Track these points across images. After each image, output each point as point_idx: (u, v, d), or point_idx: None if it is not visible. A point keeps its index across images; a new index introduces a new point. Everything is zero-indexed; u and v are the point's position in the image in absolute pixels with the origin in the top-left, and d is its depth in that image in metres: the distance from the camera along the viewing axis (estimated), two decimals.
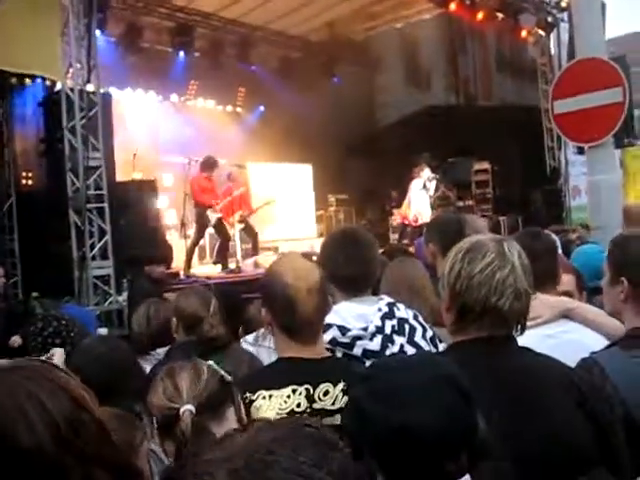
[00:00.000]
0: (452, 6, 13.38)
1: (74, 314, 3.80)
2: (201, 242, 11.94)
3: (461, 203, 15.94)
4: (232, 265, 11.08)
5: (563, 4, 14.16)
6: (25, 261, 10.94)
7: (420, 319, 2.73)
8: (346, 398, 2.03)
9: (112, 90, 12.64)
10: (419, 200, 13.15)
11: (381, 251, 4.13)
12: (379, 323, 2.55)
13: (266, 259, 10.32)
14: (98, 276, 9.20)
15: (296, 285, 2.17)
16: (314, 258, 4.71)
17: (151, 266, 7.48)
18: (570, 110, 5.72)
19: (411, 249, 8.97)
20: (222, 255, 11.20)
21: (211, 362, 2.01)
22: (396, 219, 14.84)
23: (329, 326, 2.48)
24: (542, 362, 1.87)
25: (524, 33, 15.11)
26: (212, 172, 10.92)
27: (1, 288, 7.68)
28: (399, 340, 2.58)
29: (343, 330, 2.50)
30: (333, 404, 2.13)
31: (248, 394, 2.10)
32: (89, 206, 9.13)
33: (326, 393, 2.14)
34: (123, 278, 9.24)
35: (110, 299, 9.23)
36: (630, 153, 13.70)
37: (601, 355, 2.07)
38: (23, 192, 11.58)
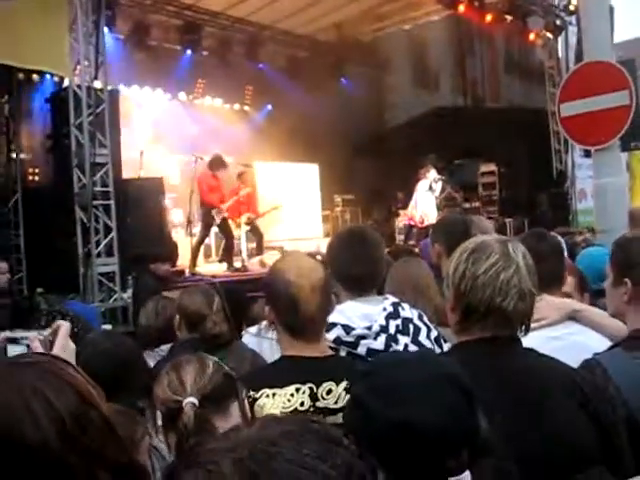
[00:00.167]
0: (461, 8, 13.37)
1: (78, 310, 3.83)
2: (207, 240, 11.96)
3: (467, 205, 15.92)
4: (238, 264, 11.10)
5: (571, 7, 14.13)
6: (30, 257, 10.95)
7: (425, 319, 2.73)
8: (349, 397, 2.03)
9: (120, 87, 12.65)
10: (425, 201, 13.13)
11: (387, 251, 4.14)
12: (383, 322, 2.55)
13: (272, 258, 10.30)
14: (103, 273, 9.22)
15: (299, 283, 2.17)
16: (318, 257, 4.73)
17: (156, 264, 7.49)
18: (577, 113, 5.71)
19: (417, 250, 8.97)
20: (227, 254, 11.22)
21: (214, 357, 2.03)
22: (402, 220, 14.83)
23: (333, 325, 2.49)
24: (545, 363, 1.87)
25: (532, 36, 15.08)
26: (219, 170, 10.93)
27: (6, 284, 7.69)
28: (403, 340, 2.58)
29: (347, 329, 2.50)
30: (336, 403, 2.13)
31: (252, 392, 2.11)
32: (95, 203, 9.15)
33: (329, 392, 2.15)
34: (128, 275, 9.25)
35: (115, 296, 9.24)
36: (637, 156, 13.68)
37: (604, 356, 2.07)
38: (29, 188, 11.60)
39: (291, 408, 2.11)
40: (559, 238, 3.28)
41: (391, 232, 15.12)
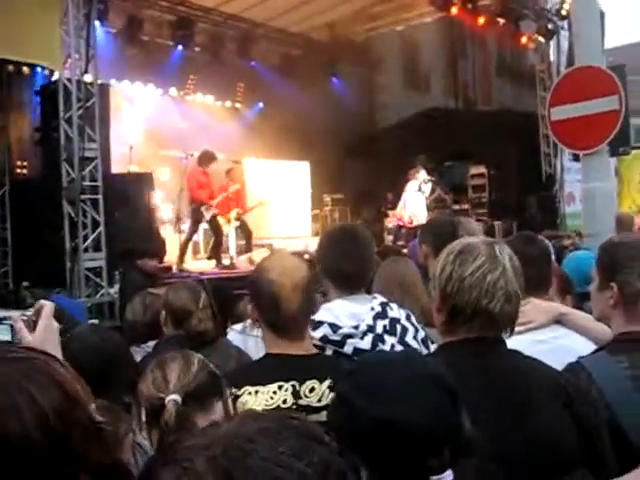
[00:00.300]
0: (453, 10, 13.41)
1: (64, 305, 3.79)
2: (195, 237, 11.94)
3: (457, 206, 15.95)
4: (226, 261, 11.09)
5: (564, 12, 14.19)
6: (17, 250, 10.88)
7: (412, 320, 2.74)
8: (332, 395, 2.03)
9: (111, 82, 12.59)
10: (414, 202, 13.16)
11: (375, 252, 4.14)
12: (371, 322, 2.56)
13: (260, 256, 10.27)
14: (90, 268, 9.18)
15: (280, 282, 2.19)
16: (306, 256, 4.73)
17: (144, 259, 7.47)
18: (567, 117, 5.73)
19: (405, 250, 8.99)
20: (216, 251, 11.20)
21: (199, 355, 2.02)
22: (391, 221, 14.85)
23: (320, 323, 2.50)
24: (530, 365, 1.88)
25: (524, 39, 15.15)
26: (209, 166, 10.91)
27: None
28: (390, 340, 2.58)
29: (334, 328, 2.50)
30: (319, 401, 2.13)
31: (234, 389, 2.11)
32: (83, 197, 9.11)
33: (312, 390, 2.15)
34: (115, 270, 9.22)
35: (102, 291, 9.21)
36: (625, 161, 13.76)
37: (588, 360, 2.08)
38: (17, 181, 11.52)
39: (273, 406, 2.11)
40: (547, 241, 3.30)
41: (380, 232, 15.12)
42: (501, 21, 14.33)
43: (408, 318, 2.72)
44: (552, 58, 15.59)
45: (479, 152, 16.32)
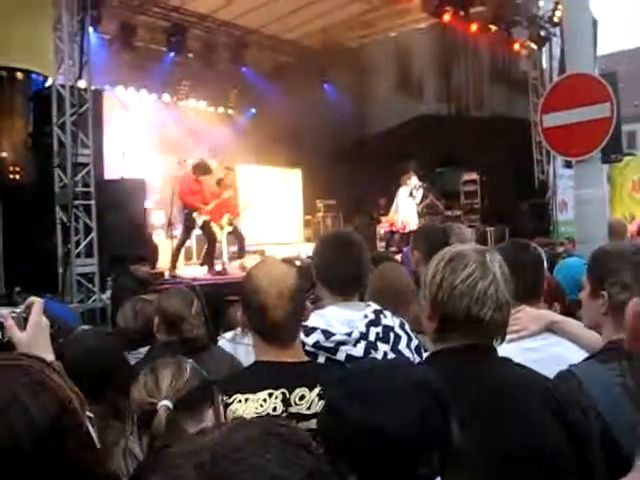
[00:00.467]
0: (446, 17, 13.46)
1: (56, 310, 3.77)
2: (188, 243, 11.93)
3: (449, 213, 15.98)
4: (218, 267, 11.09)
5: (556, 19, 14.26)
6: (9, 256, 10.81)
7: (406, 328, 2.73)
8: (322, 403, 2.03)
9: (104, 88, 12.58)
10: (406, 207, 13.21)
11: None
12: (364, 329, 2.55)
13: (252, 262, 10.29)
14: (82, 274, 9.16)
15: (266, 289, 2.19)
16: (297, 263, 4.73)
17: (136, 265, 7.46)
18: (559, 124, 5.76)
19: (398, 256, 9.00)
20: (209, 257, 11.20)
21: (191, 361, 2.02)
22: (383, 227, 14.86)
23: (313, 329, 2.50)
24: (520, 372, 1.89)
25: (517, 46, 15.21)
26: (203, 177, 10.93)
27: None
28: (383, 347, 2.58)
29: (327, 334, 2.50)
30: (309, 409, 2.13)
31: (224, 397, 2.10)
32: (76, 203, 9.10)
33: (302, 397, 2.15)
34: (107, 276, 9.20)
35: (94, 297, 9.19)
36: (618, 168, 13.79)
37: (579, 367, 2.09)
38: (10, 186, 11.44)
39: (263, 413, 2.10)
40: (539, 249, 3.30)
41: (372, 238, 15.14)
42: (493, 28, 14.39)
43: (402, 326, 2.72)
44: (544, 65, 15.67)
45: (471, 158, 16.34)
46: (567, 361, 2.18)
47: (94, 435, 1.85)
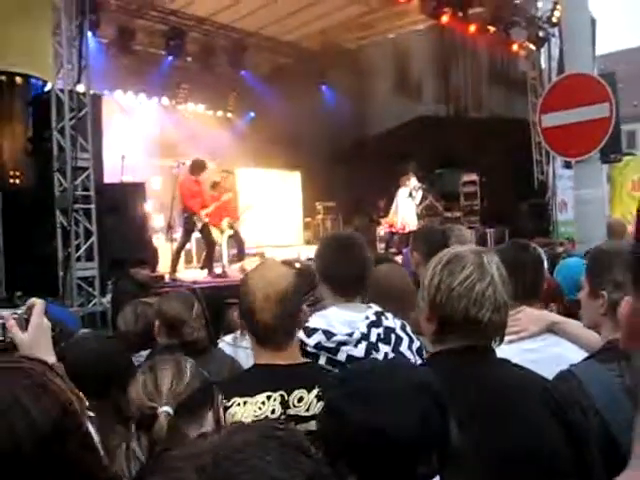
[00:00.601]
0: (444, 18, 13.46)
1: (57, 314, 3.77)
2: (188, 246, 11.94)
3: (449, 214, 15.98)
4: (218, 270, 11.09)
5: (554, 19, 14.27)
6: (9, 260, 10.82)
7: (408, 330, 2.74)
8: (320, 404, 2.03)
9: (103, 92, 12.60)
10: (405, 208, 13.22)
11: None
12: (365, 330, 2.56)
13: (252, 265, 10.27)
14: (82, 277, 9.15)
15: (254, 292, 2.21)
16: (297, 265, 4.73)
17: (136, 269, 7.46)
18: (558, 124, 5.77)
19: (398, 258, 8.99)
20: (209, 260, 11.21)
21: (191, 361, 2.00)
22: (383, 228, 14.86)
23: (315, 330, 2.52)
24: (519, 373, 1.89)
25: (515, 47, 15.22)
26: (201, 175, 10.93)
27: None
28: (384, 349, 2.59)
29: (328, 335, 2.51)
30: (307, 410, 2.14)
31: (223, 401, 2.11)
32: (76, 207, 9.10)
33: (300, 399, 2.15)
34: (108, 280, 9.20)
35: (94, 300, 9.18)
36: (618, 168, 13.80)
37: (578, 367, 2.09)
38: (10, 191, 11.47)
39: (262, 416, 2.10)
40: (539, 249, 3.31)
41: (372, 240, 15.14)
42: (492, 29, 14.39)
43: (403, 328, 2.73)
44: (543, 65, 15.67)
45: (471, 159, 16.34)
46: (567, 361, 2.19)
47: (96, 437, 1.85)
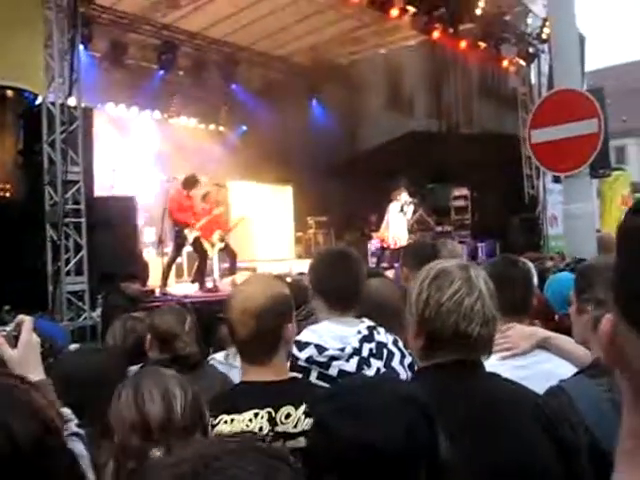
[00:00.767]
0: (435, 34, 13.54)
1: (46, 328, 3.74)
2: (179, 260, 11.91)
3: (440, 228, 16.03)
4: (209, 284, 11.06)
5: (544, 36, 14.38)
6: None
7: (400, 345, 2.74)
8: (308, 420, 2.02)
9: (95, 105, 12.61)
10: (396, 223, 13.24)
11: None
12: (357, 345, 2.57)
13: (243, 279, 10.27)
14: (72, 291, 9.10)
15: (233, 307, 2.22)
16: (288, 279, 4.73)
17: (126, 283, 7.43)
18: (547, 140, 5.81)
19: (389, 272, 8.99)
20: (200, 274, 11.18)
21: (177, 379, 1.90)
22: (375, 243, 14.87)
23: (307, 344, 2.53)
24: (509, 387, 1.89)
25: (506, 63, 15.33)
26: (192, 190, 10.94)
27: None
28: (376, 364, 2.59)
29: (320, 349, 2.52)
30: (295, 427, 2.12)
31: (210, 419, 2.09)
32: (66, 220, 9.06)
33: (288, 416, 2.14)
34: (98, 294, 9.15)
35: (84, 315, 9.12)
36: (608, 182, 13.92)
37: (568, 383, 2.09)
38: (0, 203, 11.45)
39: None
40: (529, 264, 3.31)
41: (363, 255, 15.16)
42: (482, 45, 14.50)
43: (395, 343, 2.73)
44: (533, 81, 15.79)
45: (462, 174, 16.41)
46: (558, 377, 2.19)
47: (85, 453, 1.84)
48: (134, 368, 3.62)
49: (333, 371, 2.51)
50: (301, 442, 2.01)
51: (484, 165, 15.45)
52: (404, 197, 13.41)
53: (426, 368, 1.91)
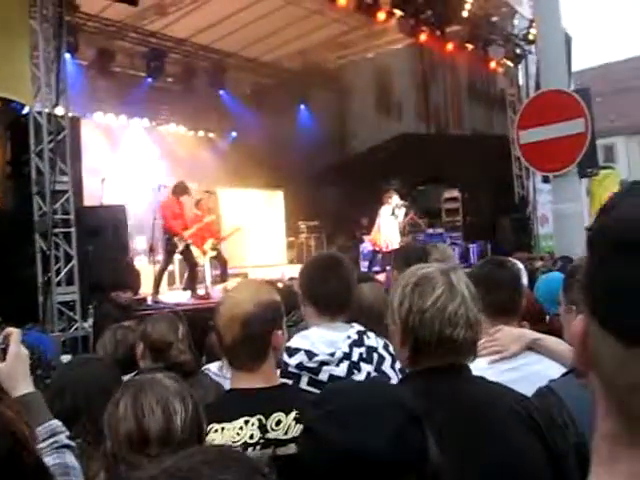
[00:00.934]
0: (422, 37, 13.58)
1: (34, 340, 3.73)
2: (170, 268, 11.88)
3: (431, 230, 16.05)
4: (201, 291, 11.04)
5: (531, 37, 14.45)
6: None
7: (390, 349, 2.73)
8: (299, 427, 2.01)
9: (82, 114, 12.57)
10: (388, 226, 13.24)
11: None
12: (347, 350, 2.57)
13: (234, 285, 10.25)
14: (63, 302, 9.05)
15: (222, 314, 2.20)
16: (279, 285, 4.72)
17: (117, 292, 7.40)
18: (535, 140, 5.83)
19: (382, 275, 9.00)
20: (191, 281, 11.17)
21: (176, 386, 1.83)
22: (366, 246, 14.87)
23: (297, 350, 2.53)
24: (496, 390, 1.89)
25: (493, 64, 15.39)
26: (183, 197, 10.92)
27: None
28: (366, 368, 2.59)
29: (310, 355, 2.52)
30: (286, 433, 2.10)
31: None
32: (55, 231, 9.01)
33: (278, 423, 2.12)
34: (89, 304, 9.11)
35: (75, 325, 9.08)
36: (597, 181, 13.97)
37: (557, 383, 2.09)
38: None
39: (240, 441, 2.06)
40: (518, 265, 3.31)
41: (355, 258, 15.15)
42: (470, 47, 14.55)
43: (386, 347, 2.72)
44: (521, 82, 15.85)
45: (452, 176, 16.46)
46: (547, 379, 2.18)
47: (76, 465, 1.82)
48: (126, 377, 3.60)
49: (323, 376, 2.51)
50: (292, 449, 2.00)
51: (474, 166, 15.51)
52: (395, 200, 13.42)
53: (413, 373, 1.91)
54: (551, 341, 2.58)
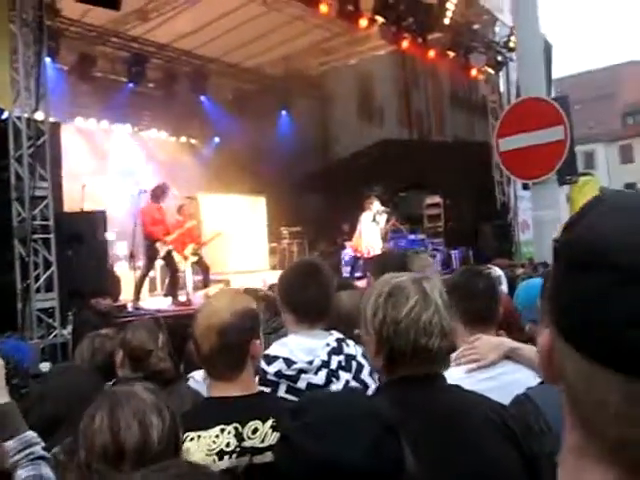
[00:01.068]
0: (404, 44, 13.62)
1: (9, 348, 3.69)
2: (152, 274, 11.82)
3: (413, 236, 16.09)
4: (182, 297, 10.99)
5: (511, 44, 14.53)
6: None
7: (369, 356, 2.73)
8: (275, 435, 2.00)
9: (63, 119, 12.48)
10: (369, 232, 13.25)
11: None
12: (325, 358, 2.56)
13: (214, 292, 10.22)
14: (42, 309, 8.96)
15: (199, 323, 2.19)
16: (260, 293, 4.70)
17: (97, 299, 7.35)
18: (514, 147, 5.87)
19: (363, 281, 8.99)
20: (173, 287, 11.11)
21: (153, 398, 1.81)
22: (348, 252, 14.88)
23: (275, 358, 2.53)
24: (471, 399, 1.89)
25: (474, 71, 15.47)
26: (163, 201, 10.86)
27: None
28: (345, 376, 2.58)
29: (289, 363, 2.52)
30: (262, 441, 2.09)
31: None
32: (35, 237, 8.93)
33: (255, 431, 2.11)
34: (68, 311, 9.03)
35: (54, 332, 8.99)
36: (577, 187, 14.07)
37: (534, 390, 2.09)
38: None
39: (217, 450, 2.05)
40: (497, 272, 3.31)
41: (337, 264, 15.15)
42: (451, 54, 14.62)
43: (364, 355, 2.71)
44: (502, 89, 15.95)
45: (434, 182, 16.53)
46: (525, 387, 2.18)
47: (52, 476, 1.80)
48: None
49: (302, 384, 2.50)
50: (268, 457, 2.00)
51: (456, 172, 15.58)
52: (376, 206, 13.44)
53: (388, 383, 1.90)
54: (529, 350, 2.58)
